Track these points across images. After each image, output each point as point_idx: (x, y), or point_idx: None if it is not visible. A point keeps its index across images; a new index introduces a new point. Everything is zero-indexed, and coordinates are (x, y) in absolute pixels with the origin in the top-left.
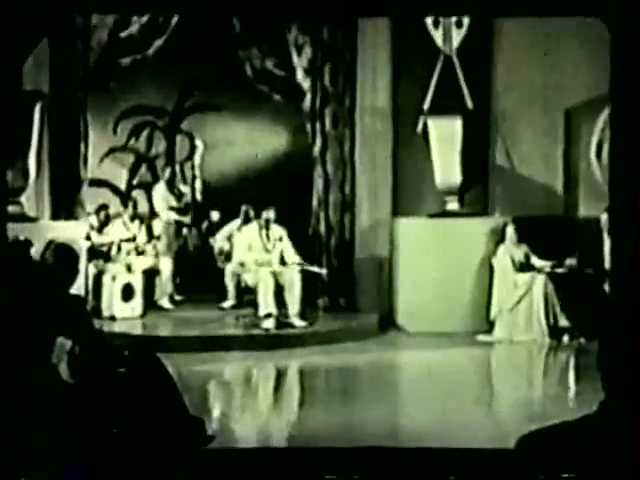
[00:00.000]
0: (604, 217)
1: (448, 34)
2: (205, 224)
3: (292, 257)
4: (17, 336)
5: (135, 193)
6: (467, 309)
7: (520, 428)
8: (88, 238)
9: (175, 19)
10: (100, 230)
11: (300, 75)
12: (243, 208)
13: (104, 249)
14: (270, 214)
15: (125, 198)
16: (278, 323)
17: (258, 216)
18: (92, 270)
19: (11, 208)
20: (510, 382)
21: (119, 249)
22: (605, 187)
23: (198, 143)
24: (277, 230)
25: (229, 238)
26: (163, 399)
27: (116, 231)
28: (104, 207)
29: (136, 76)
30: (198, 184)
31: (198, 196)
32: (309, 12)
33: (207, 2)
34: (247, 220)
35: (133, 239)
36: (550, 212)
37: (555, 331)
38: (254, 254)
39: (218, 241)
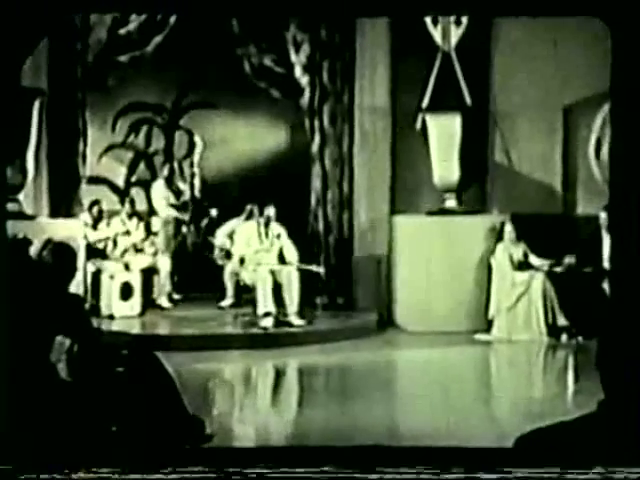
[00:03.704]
0: (603, 215)
1: (447, 32)
2: (204, 222)
3: (291, 255)
4: (16, 335)
5: (134, 190)
6: (466, 308)
7: (519, 427)
8: (85, 238)
9: (174, 16)
10: (94, 226)
11: (298, 72)
12: (248, 207)
13: (100, 246)
14: (270, 211)
15: (124, 195)
16: (277, 322)
17: (261, 214)
18: (90, 268)
19: (9, 206)
20: (509, 381)
21: (115, 244)
22: (604, 185)
23: (197, 140)
24: (276, 228)
25: (230, 235)
26: (162, 398)
27: (114, 229)
28: (96, 202)
29: (135, 73)
30: (197, 181)
31: (197, 193)
32: (308, 10)
33: (206, 0)
34: (250, 219)
35: (127, 232)
36: (549, 210)
37: (554, 330)
38: (252, 251)
39: (219, 238)
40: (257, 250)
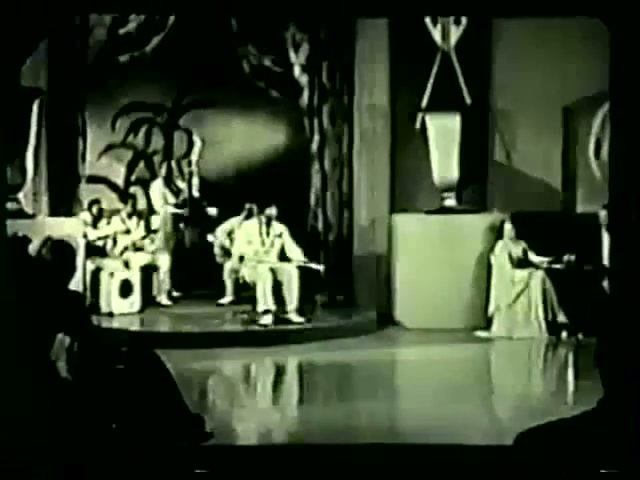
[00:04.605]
0: (602, 213)
1: (446, 31)
2: (203, 220)
3: (295, 253)
4: (16, 333)
5: (133, 190)
6: (465, 305)
7: (519, 425)
8: (85, 236)
9: (173, 17)
10: (94, 225)
11: (298, 71)
12: (247, 206)
13: (100, 244)
14: (272, 211)
15: (123, 194)
16: (276, 319)
17: (261, 214)
18: (90, 266)
19: (9, 205)
20: (508, 378)
21: (115, 243)
22: (603, 184)
23: (196, 139)
24: (277, 227)
25: (229, 234)
26: (161, 396)
27: (114, 227)
28: (96, 202)
29: (134, 73)
30: (195, 180)
31: (195, 192)
32: (307, 10)
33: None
34: (250, 217)
35: (127, 232)
36: (548, 208)
37: (553, 327)
38: (253, 249)
39: (218, 236)
40: (258, 249)
